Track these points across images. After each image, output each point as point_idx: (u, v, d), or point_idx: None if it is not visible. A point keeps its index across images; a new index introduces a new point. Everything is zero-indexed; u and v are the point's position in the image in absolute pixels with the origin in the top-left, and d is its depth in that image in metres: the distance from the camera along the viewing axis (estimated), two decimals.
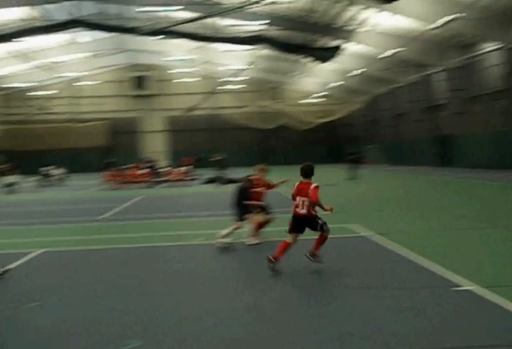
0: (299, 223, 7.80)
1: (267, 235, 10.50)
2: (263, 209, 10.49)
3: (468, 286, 6.56)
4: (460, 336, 4.97)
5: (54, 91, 64.22)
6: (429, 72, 43.27)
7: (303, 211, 7.73)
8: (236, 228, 10.05)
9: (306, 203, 7.70)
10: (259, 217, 10.19)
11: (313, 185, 7.78)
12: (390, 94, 52.69)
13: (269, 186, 10.72)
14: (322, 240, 7.89)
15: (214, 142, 64.79)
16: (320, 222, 7.77)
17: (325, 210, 7.76)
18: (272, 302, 6.39)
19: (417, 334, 5.07)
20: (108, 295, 6.95)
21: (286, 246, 7.76)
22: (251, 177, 10.64)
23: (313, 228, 7.81)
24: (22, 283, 7.79)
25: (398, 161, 49.23)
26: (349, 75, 49.34)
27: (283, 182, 10.53)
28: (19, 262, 9.16)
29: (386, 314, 5.69)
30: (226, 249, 9.53)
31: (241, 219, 10.15)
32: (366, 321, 5.47)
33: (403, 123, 51.34)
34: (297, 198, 7.82)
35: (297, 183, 7.99)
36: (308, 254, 7.93)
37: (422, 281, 7.03)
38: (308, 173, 8.01)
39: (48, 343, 5.26)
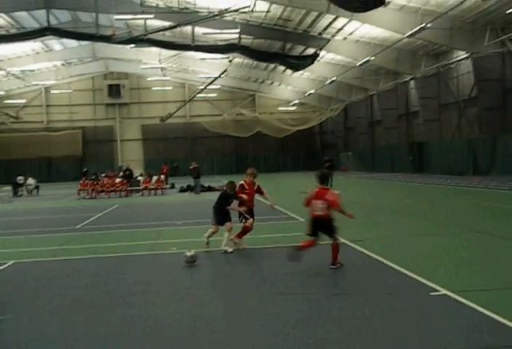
0: (317, 224, 8.31)
1: (246, 242, 10.50)
2: (250, 214, 10.67)
3: (444, 290, 6.62)
4: (439, 339, 5.02)
5: (28, 100, 63.46)
6: (402, 80, 43.85)
7: (321, 213, 8.27)
8: (214, 232, 10.51)
9: (324, 205, 8.24)
10: (231, 225, 10.33)
11: (335, 192, 8.52)
12: (365, 102, 53.20)
13: (259, 190, 11.01)
14: (337, 248, 8.35)
15: (190, 150, 64.61)
16: (335, 226, 8.34)
17: (346, 215, 8.34)
18: (246, 308, 6.37)
19: (397, 337, 5.10)
20: (80, 307, 6.84)
21: (310, 245, 8.34)
22: (237, 183, 10.85)
23: (329, 231, 8.28)
24: None
25: (374, 168, 49.64)
26: (324, 83, 49.73)
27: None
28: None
29: (365, 319, 5.72)
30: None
31: (219, 224, 10.47)
32: (344, 326, 5.49)
33: (378, 131, 51.86)
34: (313, 201, 8.38)
35: (316, 189, 8.51)
36: (331, 266, 8.32)
37: (399, 286, 7.09)
38: (323, 180, 8.71)
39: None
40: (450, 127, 38.35)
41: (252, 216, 10.75)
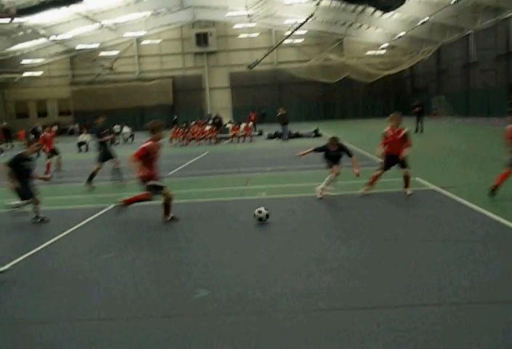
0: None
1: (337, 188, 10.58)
2: (394, 162, 10.17)
3: None
4: None
5: (121, 51, 65.25)
6: (503, 17, 40.91)
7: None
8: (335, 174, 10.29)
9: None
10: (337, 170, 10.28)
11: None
12: (460, 43, 50.35)
13: (404, 139, 10.12)
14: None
15: (277, 97, 64.47)
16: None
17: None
18: (336, 254, 6.54)
19: (483, 286, 5.10)
20: (176, 248, 7.29)
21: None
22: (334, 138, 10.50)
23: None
24: (97, 236, 8.25)
25: (468, 113, 47.50)
26: (415, 24, 47.44)
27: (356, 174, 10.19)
28: (94, 216, 9.65)
29: (456, 266, 5.74)
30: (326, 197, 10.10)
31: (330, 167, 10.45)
32: (436, 273, 5.54)
33: (473, 73, 49.19)
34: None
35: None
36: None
37: (491, 233, 6.98)
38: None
39: (125, 290, 5.63)
40: None
41: (403, 165, 10.09)
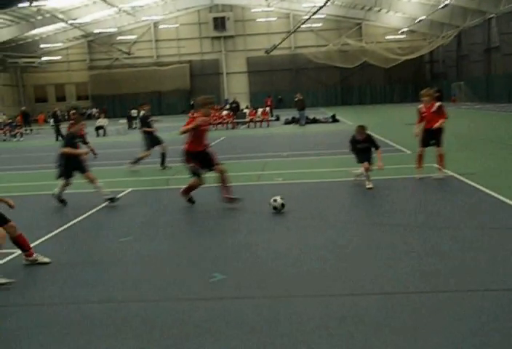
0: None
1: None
2: (431, 137, 10.17)
3: None
4: None
5: (138, 36, 65.22)
6: None
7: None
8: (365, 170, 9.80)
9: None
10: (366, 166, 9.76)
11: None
12: (481, 27, 49.51)
13: (440, 110, 10.15)
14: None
15: (294, 81, 64.14)
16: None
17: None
18: (350, 240, 6.56)
19: (491, 274, 5.09)
20: (193, 232, 7.35)
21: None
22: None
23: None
24: (115, 219, 8.34)
25: (488, 98, 46.86)
26: (436, 7, 46.67)
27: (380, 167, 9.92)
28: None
29: (472, 253, 5.73)
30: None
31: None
32: (449, 260, 5.54)
33: (495, 58, 48.40)
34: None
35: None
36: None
37: (510, 221, 6.91)
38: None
39: (142, 273, 5.70)
40: None
41: (438, 142, 10.16)
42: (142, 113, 15.14)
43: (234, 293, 4.95)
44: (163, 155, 14.26)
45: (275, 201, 8.00)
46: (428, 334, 3.86)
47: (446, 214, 7.51)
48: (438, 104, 10.21)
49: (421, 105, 10.37)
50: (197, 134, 8.54)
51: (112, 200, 9.29)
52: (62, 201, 9.52)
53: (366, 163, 9.73)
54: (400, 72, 61.82)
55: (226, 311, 4.53)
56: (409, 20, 56.34)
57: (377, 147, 9.93)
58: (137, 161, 14.19)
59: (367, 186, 9.60)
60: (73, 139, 9.61)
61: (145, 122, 14.64)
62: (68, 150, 9.24)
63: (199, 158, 8.60)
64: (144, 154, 14.29)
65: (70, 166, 9.32)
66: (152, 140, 14.44)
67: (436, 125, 9.98)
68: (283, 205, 7.98)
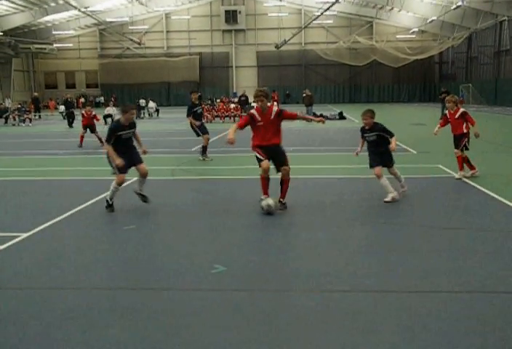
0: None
1: (360, 172, 10.54)
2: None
3: None
4: None
5: (149, 26, 65.17)
6: None
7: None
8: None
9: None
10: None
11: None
12: (493, 29, 49.29)
13: (462, 117, 10.28)
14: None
15: (303, 77, 64.05)
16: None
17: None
18: (352, 237, 6.62)
19: (490, 276, 5.14)
20: (196, 224, 7.42)
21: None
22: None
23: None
24: (120, 207, 8.39)
25: (496, 102, 46.68)
26: (448, 8, 46.44)
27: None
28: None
29: (474, 254, 5.78)
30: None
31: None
32: (451, 259, 5.59)
33: (505, 61, 48.19)
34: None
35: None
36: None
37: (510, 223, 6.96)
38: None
39: (143, 262, 5.78)
40: None
41: (456, 144, 10.37)
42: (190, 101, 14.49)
43: (234, 285, 5.01)
44: (203, 147, 14.14)
45: (268, 205, 7.68)
46: (424, 334, 3.91)
47: (448, 215, 7.55)
48: (461, 110, 10.33)
49: (448, 110, 10.59)
50: (253, 129, 8.27)
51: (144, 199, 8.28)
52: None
53: (377, 169, 8.30)
54: (409, 72, 61.70)
55: (225, 302, 4.58)
56: (421, 20, 56.11)
57: (391, 135, 8.45)
58: (203, 151, 14.08)
59: (385, 199, 8.26)
60: (116, 131, 7.84)
61: (189, 112, 14.19)
62: (108, 148, 7.77)
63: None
64: (204, 142, 14.11)
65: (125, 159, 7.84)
66: (200, 129, 14.23)
67: (458, 132, 10.30)
68: (269, 205, 7.67)
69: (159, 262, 5.73)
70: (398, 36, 60.95)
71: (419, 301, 4.52)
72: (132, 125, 8.03)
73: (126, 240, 6.61)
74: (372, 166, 8.44)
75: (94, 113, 18.81)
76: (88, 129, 18.35)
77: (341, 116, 31.60)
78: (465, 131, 10.23)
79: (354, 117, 31.72)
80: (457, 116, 10.28)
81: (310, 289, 4.87)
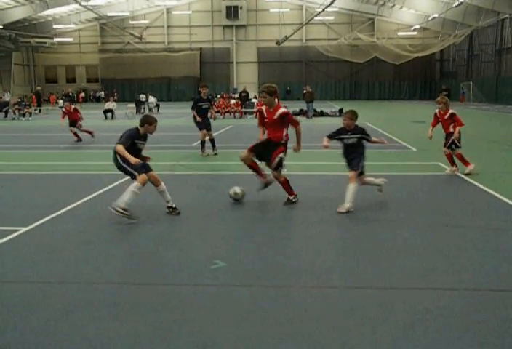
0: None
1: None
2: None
3: None
4: None
5: (150, 21, 65.04)
6: None
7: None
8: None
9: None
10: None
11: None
12: (494, 27, 49.19)
13: (451, 118, 10.60)
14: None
15: (304, 74, 63.96)
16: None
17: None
18: (353, 234, 6.63)
19: (490, 274, 5.16)
20: (196, 219, 7.43)
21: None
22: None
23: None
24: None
25: (497, 100, 46.64)
26: (450, 5, 46.39)
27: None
28: (117, 183, 9.83)
29: (474, 253, 5.79)
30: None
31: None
32: (450, 258, 5.60)
33: (506, 59, 48.12)
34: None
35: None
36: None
37: (509, 221, 6.96)
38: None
39: (143, 257, 5.79)
40: None
41: (445, 143, 10.73)
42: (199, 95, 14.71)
43: (233, 281, 5.01)
44: (211, 141, 14.26)
45: (235, 193, 8.03)
46: (424, 331, 3.92)
47: (448, 212, 7.55)
48: (451, 112, 10.53)
49: (437, 110, 10.73)
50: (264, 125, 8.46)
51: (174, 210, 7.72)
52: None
53: (352, 172, 7.69)
54: (410, 69, 61.65)
55: (224, 298, 4.59)
56: (422, 17, 56.05)
57: (368, 140, 7.91)
58: (202, 145, 14.15)
59: (339, 209, 7.51)
60: (134, 138, 7.58)
61: (194, 105, 14.28)
62: (121, 149, 7.40)
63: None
64: (201, 138, 14.25)
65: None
66: (204, 123, 14.26)
67: (456, 135, 10.49)
68: (236, 194, 8.00)
69: (159, 257, 5.74)
70: (399, 33, 60.88)
71: (419, 298, 4.53)
72: (146, 137, 7.93)
73: (126, 235, 6.62)
74: (348, 166, 7.85)
75: (73, 106, 18.57)
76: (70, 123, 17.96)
77: (341, 113, 31.59)
78: (451, 130, 10.52)
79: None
80: (446, 117, 10.57)
81: (309, 285, 4.88)
